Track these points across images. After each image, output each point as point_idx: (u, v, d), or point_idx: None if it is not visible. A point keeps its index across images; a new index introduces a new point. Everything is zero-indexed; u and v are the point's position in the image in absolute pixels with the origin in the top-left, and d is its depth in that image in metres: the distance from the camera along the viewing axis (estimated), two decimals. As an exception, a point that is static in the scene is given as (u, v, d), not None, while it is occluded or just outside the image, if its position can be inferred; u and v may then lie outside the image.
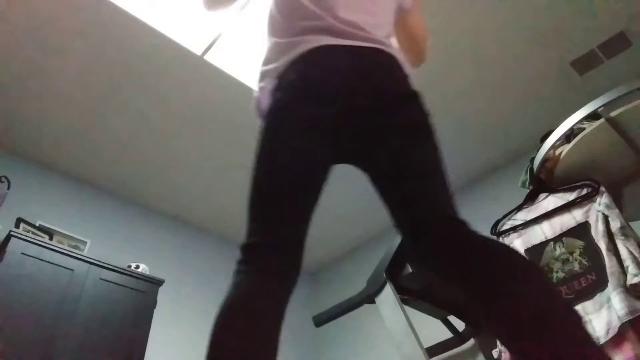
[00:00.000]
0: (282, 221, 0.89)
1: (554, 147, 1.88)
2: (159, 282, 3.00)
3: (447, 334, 2.83)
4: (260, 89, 1.09)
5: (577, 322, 0.69)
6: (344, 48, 1.00)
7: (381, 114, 0.96)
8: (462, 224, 0.87)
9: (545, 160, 1.92)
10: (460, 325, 2.78)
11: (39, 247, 2.59)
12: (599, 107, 1.69)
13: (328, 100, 0.95)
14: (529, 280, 0.74)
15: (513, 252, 0.81)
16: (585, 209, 1.72)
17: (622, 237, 1.56)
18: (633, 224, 1.67)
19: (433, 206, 0.90)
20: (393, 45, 1.11)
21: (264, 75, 1.09)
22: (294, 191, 0.91)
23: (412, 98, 1.01)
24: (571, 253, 1.70)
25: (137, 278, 2.91)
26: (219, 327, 0.78)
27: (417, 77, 3.21)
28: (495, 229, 1.98)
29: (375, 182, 1.00)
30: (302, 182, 0.92)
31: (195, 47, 2.66)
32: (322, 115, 0.95)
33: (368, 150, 0.98)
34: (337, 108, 0.95)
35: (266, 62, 1.11)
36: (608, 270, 1.54)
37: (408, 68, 1.09)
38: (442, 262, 0.84)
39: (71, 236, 3.13)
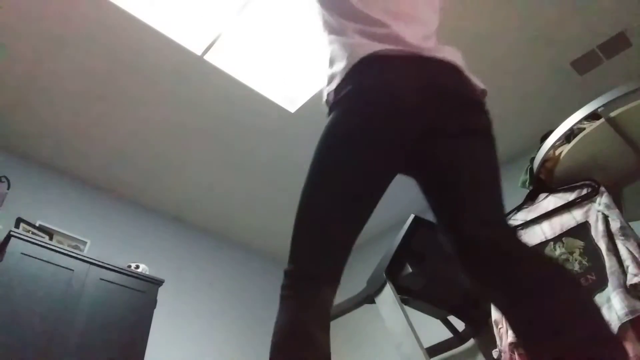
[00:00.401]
0: (331, 253, 0.90)
1: (554, 147, 1.87)
2: (159, 282, 3.00)
3: (447, 334, 2.83)
4: (332, 89, 1.05)
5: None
6: (416, 59, 0.98)
7: (449, 119, 0.96)
8: (508, 237, 0.88)
9: (545, 160, 1.91)
10: (460, 325, 2.78)
11: (39, 247, 2.59)
12: (599, 107, 1.69)
13: (406, 113, 0.93)
14: (560, 292, 0.77)
15: (551, 265, 0.83)
16: (585, 209, 1.72)
17: (622, 237, 1.56)
18: (633, 224, 1.67)
19: (482, 217, 0.91)
20: (448, 50, 1.09)
21: (334, 76, 1.05)
22: (351, 222, 0.92)
23: (481, 106, 1.02)
24: (571, 253, 1.70)
25: (137, 278, 2.91)
26: (273, 352, 0.83)
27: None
28: (495, 229, 1.98)
29: (429, 189, 0.99)
30: (360, 212, 0.93)
31: (195, 47, 2.66)
32: (397, 128, 0.93)
33: (431, 156, 0.96)
34: (414, 121, 0.94)
35: (333, 62, 1.06)
36: (608, 270, 1.54)
37: (475, 79, 1.07)
38: (484, 275, 0.87)
39: (71, 236, 3.13)
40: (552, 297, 0.77)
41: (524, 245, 0.88)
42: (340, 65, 1.01)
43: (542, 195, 1.91)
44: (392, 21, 1.03)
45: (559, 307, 0.76)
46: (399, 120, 0.93)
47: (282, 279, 0.90)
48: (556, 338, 0.73)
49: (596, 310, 0.76)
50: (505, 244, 0.87)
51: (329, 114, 1.02)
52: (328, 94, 1.05)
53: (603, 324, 0.74)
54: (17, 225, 2.82)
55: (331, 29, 1.11)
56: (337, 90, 1.00)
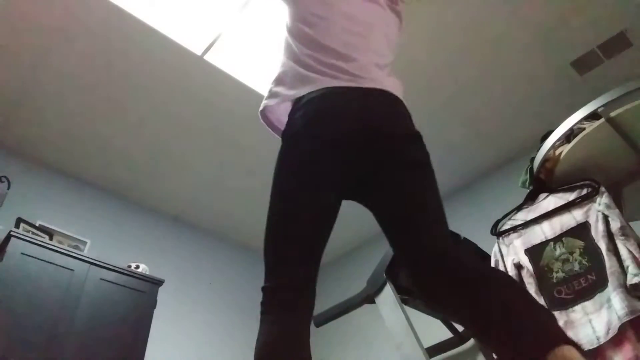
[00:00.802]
0: (300, 263, 0.97)
1: (554, 147, 1.87)
2: (159, 282, 3.00)
3: (447, 334, 2.82)
4: (270, 105, 1.19)
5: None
6: (356, 90, 1.07)
7: (389, 151, 1.04)
8: (454, 259, 0.93)
9: (545, 160, 1.91)
10: (460, 325, 2.78)
11: (39, 247, 2.60)
12: (599, 107, 1.68)
13: (343, 138, 1.02)
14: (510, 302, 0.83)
15: (500, 281, 0.89)
16: (585, 209, 1.72)
17: (622, 237, 1.56)
18: (633, 224, 1.67)
19: (427, 241, 0.97)
20: (393, 82, 1.18)
21: (276, 95, 1.17)
22: (315, 232, 0.99)
23: (416, 138, 1.09)
24: (571, 253, 1.70)
25: (137, 278, 2.91)
26: None
27: (416, 78, 3.20)
28: (495, 229, 1.98)
29: (379, 218, 1.07)
30: (321, 223, 1.01)
31: (195, 47, 2.66)
32: (337, 150, 1.01)
33: (375, 186, 1.04)
34: (351, 144, 1.02)
35: (280, 83, 1.18)
36: (608, 270, 1.54)
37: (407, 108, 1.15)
38: (436, 296, 0.93)
39: (71, 236, 3.13)
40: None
41: (466, 265, 0.93)
42: (291, 92, 1.12)
43: (542, 195, 1.90)
44: (348, 52, 1.12)
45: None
46: (340, 139, 1.02)
47: (261, 296, 0.97)
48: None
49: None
50: (447, 271, 0.92)
51: (285, 131, 1.12)
52: (267, 107, 1.20)
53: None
54: (17, 225, 2.82)
55: (290, 54, 1.20)
56: (291, 113, 1.11)
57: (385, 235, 1.04)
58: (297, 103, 1.09)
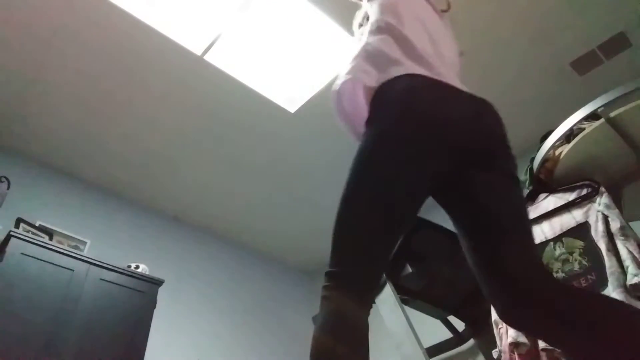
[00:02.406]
0: (373, 259, 0.89)
1: (553, 147, 1.87)
2: (159, 282, 3.00)
3: (447, 334, 2.82)
4: (357, 79, 1.03)
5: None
6: (468, 96, 1.06)
7: (489, 157, 1.00)
8: (552, 281, 0.91)
9: (545, 160, 1.91)
10: (460, 325, 2.78)
11: (39, 247, 2.59)
12: (599, 107, 1.68)
13: (454, 136, 0.96)
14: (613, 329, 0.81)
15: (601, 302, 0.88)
16: (585, 209, 1.72)
17: (622, 237, 1.55)
18: (633, 224, 1.67)
19: (528, 264, 0.91)
20: None
21: (368, 73, 1.03)
22: (394, 229, 0.91)
23: (510, 151, 1.05)
24: (571, 253, 1.70)
25: (137, 278, 2.91)
26: (322, 338, 0.81)
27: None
28: (495, 229, 1.98)
29: (465, 230, 0.99)
30: (403, 219, 0.92)
31: (195, 47, 2.66)
32: (444, 147, 0.95)
33: (467, 192, 0.98)
34: (460, 145, 0.97)
35: (379, 53, 1.05)
36: (608, 271, 1.54)
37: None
38: (541, 323, 0.88)
39: (71, 236, 3.13)
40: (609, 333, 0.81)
41: (565, 290, 0.90)
42: (390, 65, 1.01)
43: (542, 196, 1.90)
44: (438, 63, 1.09)
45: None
46: (452, 136, 0.95)
47: (325, 280, 0.89)
48: None
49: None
50: (551, 295, 0.87)
51: (374, 101, 1.00)
52: (357, 80, 1.03)
53: None
54: (17, 225, 2.82)
55: (389, 31, 1.10)
56: (389, 84, 0.99)
57: (469, 251, 0.97)
58: (393, 85, 0.98)
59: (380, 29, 1.11)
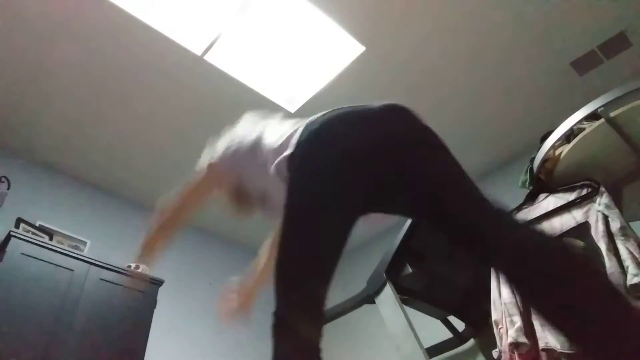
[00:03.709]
0: (320, 287, 0.97)
1: (554, 147, 1.87)
2: (159, 282, 3.00)
3: (447, 334, 2.82)
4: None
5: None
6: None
7: (411, 140, 1.05)
8: (508, 216, 0.98)
9: (545, 160, 1.91)
10: (460, 325, 2.78)
11: (39, 247, 2.59)
12: (599, 107, 1.68)
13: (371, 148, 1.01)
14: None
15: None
16: (585, 209, 1.72)
17: (622, 238, 1.55)
18: (633, 224, 1.67)
19: (480, 206, 0.99)
20: None
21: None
22: (335, 256, 0.99)
23: (443, 147, 1.11)
24: (571, 253, 1.70)
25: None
26: None
27: (415, 78, 3.19)
28: (495, 229, 1.98)
29: (417, 210, 1.07)
30: (342, 245, 0.99)
31: (195, 47, 2.66)
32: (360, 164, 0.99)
33: (404, 176, 1.02)
34: (377, 156, 1.01)
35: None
36: (608, 271, 1.54)
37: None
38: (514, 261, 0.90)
39: (71, 236, 3.13)
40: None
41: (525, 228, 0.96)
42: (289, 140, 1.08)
43: (542, 196, 1.90)
44: None
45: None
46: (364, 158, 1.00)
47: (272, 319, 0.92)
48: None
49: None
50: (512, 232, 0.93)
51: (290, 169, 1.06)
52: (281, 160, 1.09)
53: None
54: (17, 225, 2.82)
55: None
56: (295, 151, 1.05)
57: (430, 221, 1.05)
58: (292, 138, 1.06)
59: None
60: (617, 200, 1.82)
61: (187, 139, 3.21)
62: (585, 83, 2.92)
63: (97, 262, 2.78)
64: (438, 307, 2.50)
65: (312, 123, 1.05)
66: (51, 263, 2.60)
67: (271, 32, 2.60)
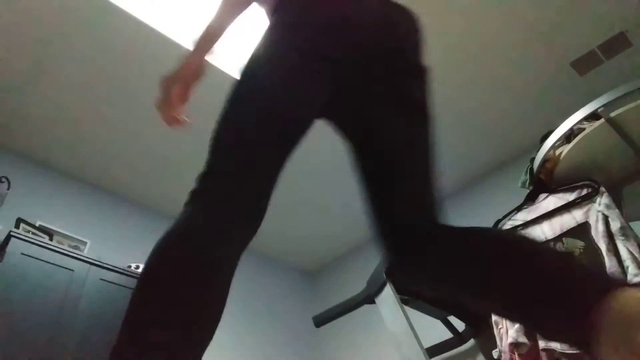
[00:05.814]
0: (259, 175, 0.78)
1: (554, 147, 1.88)
2: (159, 282, 2.99)
3: (447, 334, 2.83)
4: None
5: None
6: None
7: (394, 75, 0.90)
8: (443, 228, 0.84)
9: (545, 160, 1.92)
10: (460, 325, 2.78)
11: (39, 247, 2.59)
12: (599, 107, 1.69)
13: (355, 41, 0.87)
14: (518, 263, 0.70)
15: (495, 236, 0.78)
16: (585, 209, 1.72)
17: (622, 238, 1.56)
18: (633, 224, 1.67)
19: (421, 206, 0.85)
20: None
21: None
22: (285, 143, 0.81)
23: (425, 72, 0.97)
24: (571, 253, 1.70)
25: (137, 278, 2.91)
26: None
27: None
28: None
29: (359, 156, 0.91)
30: (296, 134, 0.82)
31: (195, 47, 2.66)
32: (343, 54, 0.85)
33: (365, 110, 0.89)
34: (360, 51, 0.87)
35: None
36: (608, 271, 1.54)
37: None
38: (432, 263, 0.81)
39: (71, 236, 3.13)
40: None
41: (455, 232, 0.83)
42: None
43: (542, 196, 1.91)
44: None
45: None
46: (348, 36, 0.86)
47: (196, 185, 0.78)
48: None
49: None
50: (439, 239, 0.82)
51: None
52: None
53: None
54: (17, 226, 2.82)
55: None
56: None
57: (361, 179, 0.90)
58: None
59: None
60: (617, 200, 1.82)
61: (187, 139, 3.21)
62: (585, 83, 2.92)
63: (97, 262, 2.78)
64: (438, 307, 2.50)
65: None
66: (51, 263, 2.60)
67: (271, 32, 2.61)
